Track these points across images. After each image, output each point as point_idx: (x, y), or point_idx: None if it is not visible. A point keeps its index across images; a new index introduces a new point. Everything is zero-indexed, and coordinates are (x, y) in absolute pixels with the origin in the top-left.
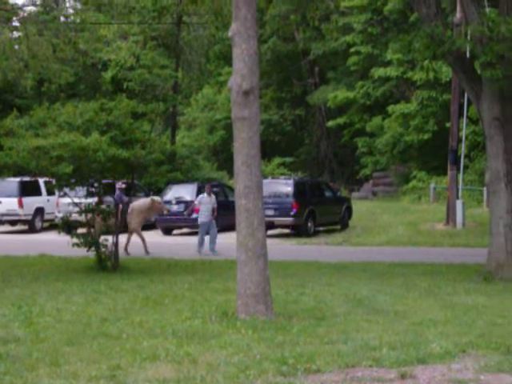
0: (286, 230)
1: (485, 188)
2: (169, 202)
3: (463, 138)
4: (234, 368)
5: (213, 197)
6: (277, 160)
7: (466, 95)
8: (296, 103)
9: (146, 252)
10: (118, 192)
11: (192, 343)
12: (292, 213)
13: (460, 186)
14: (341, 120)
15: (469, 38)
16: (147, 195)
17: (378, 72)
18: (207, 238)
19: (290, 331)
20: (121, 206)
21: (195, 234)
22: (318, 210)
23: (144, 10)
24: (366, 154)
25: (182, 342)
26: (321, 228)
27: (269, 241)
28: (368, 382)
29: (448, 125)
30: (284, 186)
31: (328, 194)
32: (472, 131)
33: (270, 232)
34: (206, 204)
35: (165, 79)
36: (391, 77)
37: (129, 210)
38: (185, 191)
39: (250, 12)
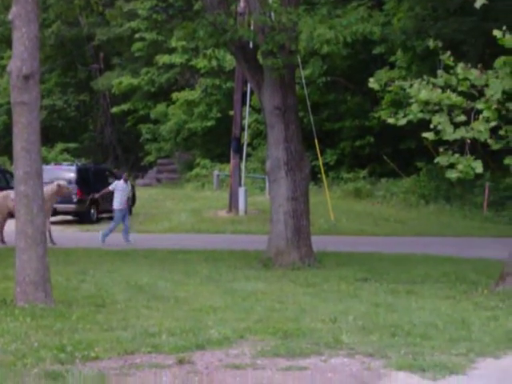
0: (69, 217)
1: (267, 176)
2: None
3: (246, 127)
4: (11, 356)
5: (129, 184)
6: (60, 146)
7: (248, 84)
8: (80, 88)
9: (52, 242)
10: None
11: None
12: (74, 199)
13: (243, 174)
14: (125, 106)
15: (252, 27)
16: None
17: (163, 59)
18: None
19: (69, 318)
20: None
21: None
22: (101, 197)
23: None
24: (150, 141)
25: None
26: (104, 215)
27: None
28: (146, 368)
29: (231, 113)
30: (67, 173)
31: (112, 180)
32: (255, 120)
33: (52, 219)
34: (121, 191)
35: None
36: (176, 64)
37: None
38: None
39: None
